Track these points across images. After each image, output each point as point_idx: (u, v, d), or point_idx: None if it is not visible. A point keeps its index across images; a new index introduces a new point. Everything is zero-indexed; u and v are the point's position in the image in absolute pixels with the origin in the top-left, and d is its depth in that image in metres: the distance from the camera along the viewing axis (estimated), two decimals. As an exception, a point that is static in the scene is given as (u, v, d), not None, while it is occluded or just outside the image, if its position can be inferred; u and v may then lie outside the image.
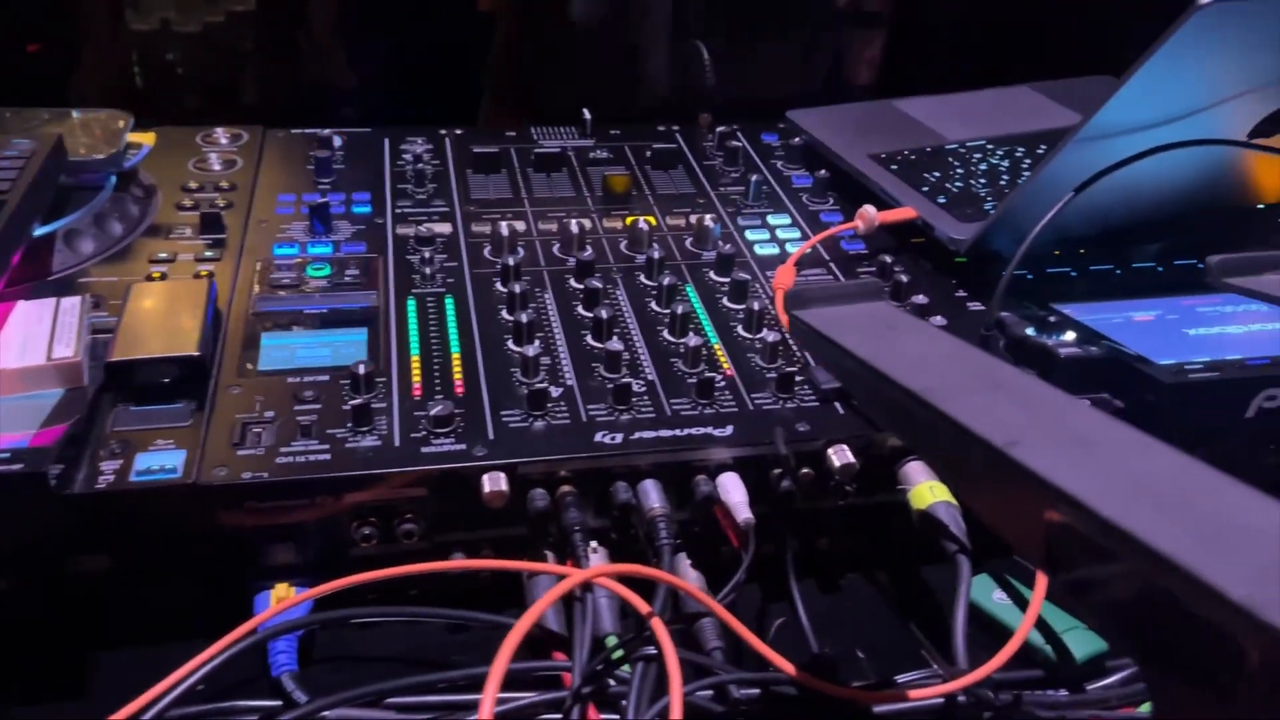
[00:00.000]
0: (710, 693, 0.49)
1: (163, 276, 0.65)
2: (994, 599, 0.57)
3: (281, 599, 0.52)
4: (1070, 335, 0.62)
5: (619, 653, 0.49)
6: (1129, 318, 0.66)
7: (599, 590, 0.51)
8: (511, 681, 0.49)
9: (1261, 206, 0.81)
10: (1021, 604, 0.56)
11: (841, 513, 0.59)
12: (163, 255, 0.67)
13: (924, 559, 0.61)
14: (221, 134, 0.83)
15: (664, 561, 0.51)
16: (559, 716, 0.46)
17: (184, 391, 0.55)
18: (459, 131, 0.88)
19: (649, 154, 0.86)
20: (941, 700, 0.49)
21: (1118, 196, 0.68)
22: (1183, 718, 0.24)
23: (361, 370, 0.56)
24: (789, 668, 0.48)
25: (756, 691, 0.50)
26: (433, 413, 0.54)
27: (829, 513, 0.58)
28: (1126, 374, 0.59)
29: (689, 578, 0.54)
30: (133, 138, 0.74)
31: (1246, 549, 0.24)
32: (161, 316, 0.58)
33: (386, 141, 0.85)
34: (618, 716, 0.47)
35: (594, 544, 0.54)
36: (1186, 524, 0.25)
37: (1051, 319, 0.64)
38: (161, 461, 0.51)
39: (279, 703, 0.49)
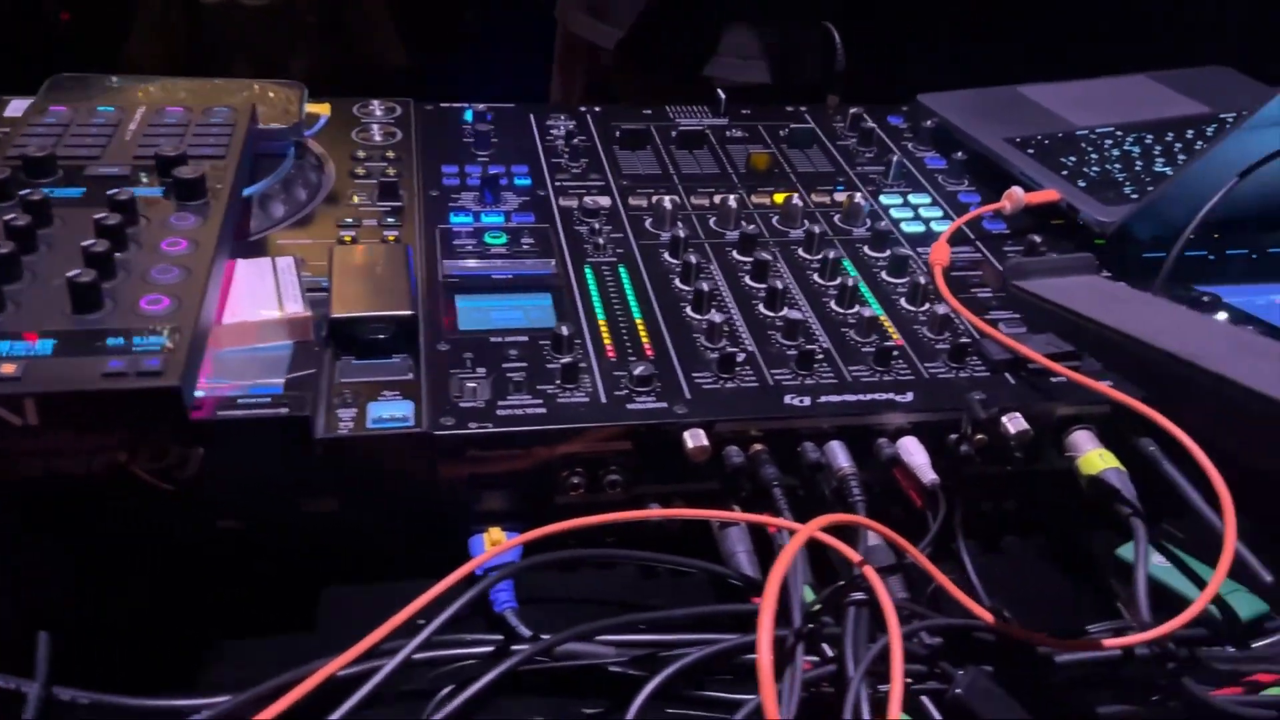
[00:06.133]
0: (901, 639, 0.53)
1: (353, 240, 0.69)
2: (1154, 563, 0.60)
3: (496, 542, 0.56)
4: (1223, 316, 0.65)
5: (815, 606, 0.52)
6: (1271, 300, 0.69)
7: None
8: (710, 622, 0.54)
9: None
10: (1183, 568, 0.59)
11: (1005, 478, 0.62)
12: (348, 221, 0.71)
13: (1079, 524, 0.64)
14: (377, 106, 0.87)
15: (860, 515, 0.54)
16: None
17: (399, 347, 0.59)
18: (597, 109, 0.92)
19: (783, 133, 0.89)
20: (1119, 653, 0.53)
21: (1256, 184, 0.71)
22: None
23: (565, 331, 0.59)
24: (986, 615, 0.51)
25: (939, 640, 0.53)
26: (635, 372, 0.58)
27: (992, 477, 0.62)
28: (1283, 353, 0.62)
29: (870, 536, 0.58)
30: (310, 108, 0.78)
31: None
32: (370, 277, 0.62)
33: (532, 117, 0.89)
34: (818, 659, 0.51)
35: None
36: None
37: (1204, 299, 0.67)
38: (393, 411, 0.55)
39: (501, 637, 0.53)
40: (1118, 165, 0.81)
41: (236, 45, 1.44)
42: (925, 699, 0.50)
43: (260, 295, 0.59)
